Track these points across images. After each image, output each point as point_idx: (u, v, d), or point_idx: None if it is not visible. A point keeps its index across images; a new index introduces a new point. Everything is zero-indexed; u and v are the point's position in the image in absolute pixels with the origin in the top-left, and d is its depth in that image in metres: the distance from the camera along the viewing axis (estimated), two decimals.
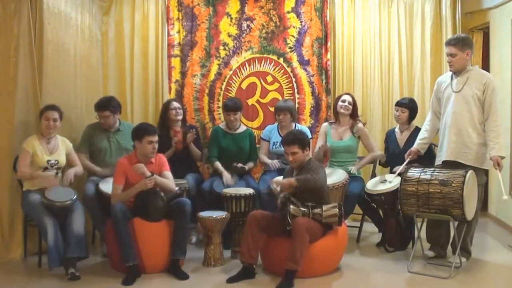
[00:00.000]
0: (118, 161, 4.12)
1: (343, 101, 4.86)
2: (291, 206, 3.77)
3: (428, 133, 4.34)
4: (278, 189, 3.99)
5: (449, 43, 4.09)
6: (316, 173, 3.84)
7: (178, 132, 4.74)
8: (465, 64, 4.06)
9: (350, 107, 4.84)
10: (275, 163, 4.79)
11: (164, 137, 4.83)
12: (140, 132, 4.05)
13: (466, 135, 4.02)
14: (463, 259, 4.11)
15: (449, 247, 4.27)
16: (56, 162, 4.13)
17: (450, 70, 4.14)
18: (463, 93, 4.03)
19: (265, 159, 4.96)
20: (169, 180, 4.15)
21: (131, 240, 3.84)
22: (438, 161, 4.21)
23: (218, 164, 4.87)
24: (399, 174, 4.28)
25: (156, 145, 4.08)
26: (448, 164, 4.06)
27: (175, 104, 4.92)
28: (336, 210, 3.85)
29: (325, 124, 5.08)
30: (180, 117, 4.91)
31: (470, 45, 4.08)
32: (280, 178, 4.48)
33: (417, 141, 4.39)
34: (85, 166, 4.50)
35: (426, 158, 4.45)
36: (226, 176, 4.72)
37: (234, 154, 4.91)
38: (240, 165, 4.79)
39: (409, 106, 4.70)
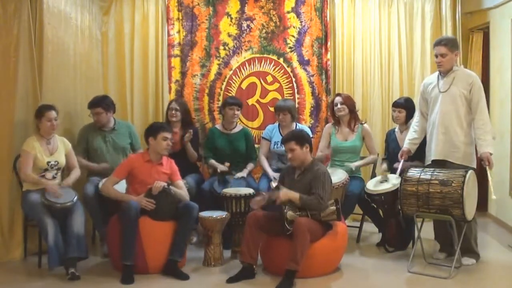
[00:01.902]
0: (129, 156, 4.22)
1: (336, 105, 4.88)
2: (288, 212, 3.75)
3: (418, 134, 4.38)
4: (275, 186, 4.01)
5: (439, 43, 4.14)
6: (321, 194, 3.77)
7: (175, 134, 4.74)
8: (452, 64, 4.13)
9: (344, 106, 4.84)
10: (274, 176, 4.68)
11: None
12: (156, 128, 4.12)
13: (454, 134, 4.06)
14: (473, 261, 4.13)
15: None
16: (56, 163, 4.13)
17: (439, 70, 4.19)
18: (450, 93, 4.08)
19: (264, 164, 4.93)
20: (183, 189, 4.20)
21: (135, 241, 3.82)
22: (428, 160, 4.25)
23: (212, 161, 4.89)
24: (399, 173, 4.29)
25: (170, 143, 4.13)
26: (437, 163, 4.10)
27: (173, 104, 4.95)
28: (334, 207, 3.85)
29: (329, 124, 5.07)
30: (175, 119, 4.91)
31: (458, 46, 4.23)
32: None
33: (407, 141, 4.43)
34: (84, 165, 4.50)
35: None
36: (220, 166, 4.75)
37: (228, 154, 4.91)
38: (237, 175, 4.76)
39: (405, 106, 4.71)
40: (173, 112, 4.90)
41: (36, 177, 4.01)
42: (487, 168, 3.95)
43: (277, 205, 3.83)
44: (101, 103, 4.57)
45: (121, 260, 3.81)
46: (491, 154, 3.97)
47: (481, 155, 3.98)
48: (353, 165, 4.75)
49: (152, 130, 4.12)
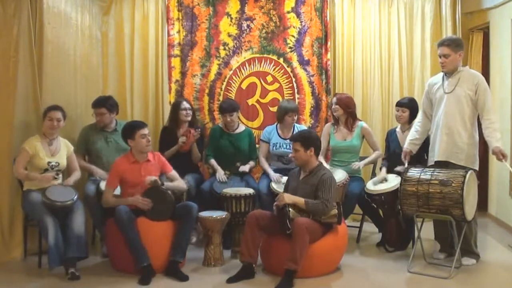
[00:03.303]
0: (114, 162, 4.14)
1: (332, 106, 4.93)
2: (290, 210, 3.75)
3: (419, 134, 4.37)
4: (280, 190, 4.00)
5: (442, 43, 4.12)
6: (328, 198, 3.80)
7: (192, 135, 4.74)
8: (457, 65, 4.11)
9: (338, 107, 4.85)
10: (276, 177, 4.70)
11: (172, 135, 4.85)
12: (131, 129, 4.08)
13: (457, 135, 4.05)
14: (473, 261, 4.13)
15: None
16: (57, 164, 4.13)
17: (443, 71, 4.18)
18: (455, 93, 4.07)
19: (265, 165, 4.92)
20: (178, 180, 4.21)
21: (140, 241, 3.82)
22: (431, 161, 4.24)
23: (213, 162, 4.90)
24: (399, 174, 4.29)
25: (150, 138, 4.10)
26: (440, 164, 4.09)
27: (186, 104, 4.95)
28: (335, 210, 3.86)
29: (328, 124, 5.09)
30: (189, 118, 4.94)
31: (462, 46, 4.15)
32: (284, 178, 4.51)
33: (408, 141, 4.42)
34: (83, 167, 4.50)
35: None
36: (220, 171, 4.76)
37: (231, 154, 4.92)
38: (241, 168, 4.79)
39: (409, 106, 4.71)
40: (188, 111, 4.91)
41: (25, 172, 3.99)
42: (503, 161, 3.92)
43: (277, 207, 3.83)
44: (105, 103, 4.58)
45: (136, 265, 3.79)
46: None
47: (493, 151, 3.96)
48: (359, 164, 4.75)
49: (129, 131, 4.07)
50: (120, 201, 4.00)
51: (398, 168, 4.48)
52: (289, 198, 3.83)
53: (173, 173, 4.23)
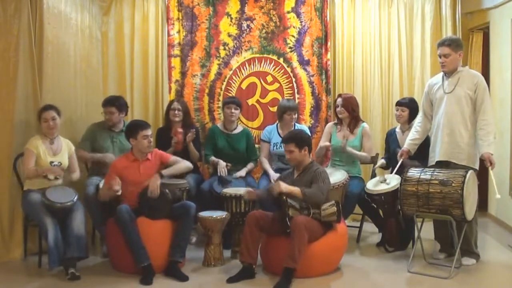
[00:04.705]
0: (113, 161, 4.17)
1: (337, 106, 4.90)
2: (290, 209, 3.76)
3: (419, 134, 4.38)
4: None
5: (443, 43, 4.13)
6: (323, 187, 3.83)
7: (180, 133, 4.74)
8: (457, 65, 4.11)
9: (343, 109, 4.84)
10: (276, 177, 4.72)
11: (165, 135, 4.86)
12: (134, 128, 4.09)
13: (459, 135, 4.06)
14: (473, 261, 4.13)
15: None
16: (59, 163, 4.12)
17: (443, 71, 4.18)
18: (455, 93, 4.07)
19: (266, 165, 4.92)
20: (178, 162, 4.24)
21: (141, 240, 3.83)
22: (431, 161, 4.24)
23: (213, 158, 4.90)
24: (399, 173, 4.28)
25: (151, 139, 4.13)
26: (441, 165, 4.09)
27: (176, 104, 4.94)
28: (334, 208, 3.86)
29: (330, 124, 5.08)
30: (177, 119, 4.92)
31: (462, 47, 4.17)
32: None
33: (408, 141, 4.42)
34: (90, 158, 4.50)
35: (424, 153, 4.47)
36: (221, 163, 4.76)
37: (229, 155, 4.91)
38: (237, 173, 4.80)
39: (409, 106, 4.71)
40: (176, 112, 4.90)
41: (35, 168, 3.98)
42: (489, 168, 3.95)
43: (279, 203, 3.82)
44: (115, 102, 4.61)
45: (136, 265, 3.80)
46: (491, 154, 3.96)
47: (482, 156, 3.97)
48: (348, 147, 4.71)
49: (132, 131, 4.10)
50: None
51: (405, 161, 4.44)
52: (285, 187, 3.83)
53: (173, 159, 4.27)
